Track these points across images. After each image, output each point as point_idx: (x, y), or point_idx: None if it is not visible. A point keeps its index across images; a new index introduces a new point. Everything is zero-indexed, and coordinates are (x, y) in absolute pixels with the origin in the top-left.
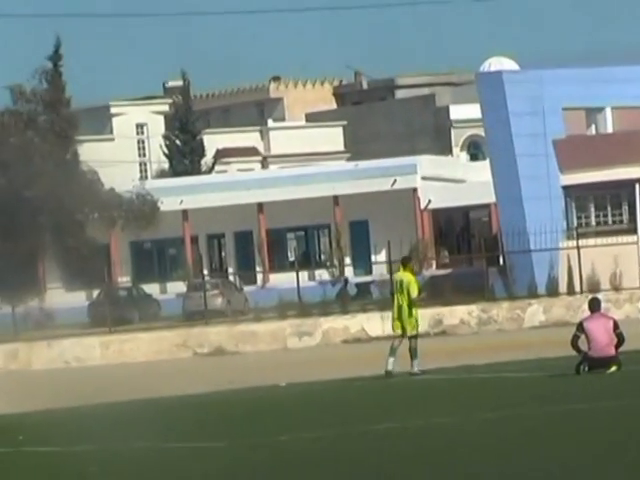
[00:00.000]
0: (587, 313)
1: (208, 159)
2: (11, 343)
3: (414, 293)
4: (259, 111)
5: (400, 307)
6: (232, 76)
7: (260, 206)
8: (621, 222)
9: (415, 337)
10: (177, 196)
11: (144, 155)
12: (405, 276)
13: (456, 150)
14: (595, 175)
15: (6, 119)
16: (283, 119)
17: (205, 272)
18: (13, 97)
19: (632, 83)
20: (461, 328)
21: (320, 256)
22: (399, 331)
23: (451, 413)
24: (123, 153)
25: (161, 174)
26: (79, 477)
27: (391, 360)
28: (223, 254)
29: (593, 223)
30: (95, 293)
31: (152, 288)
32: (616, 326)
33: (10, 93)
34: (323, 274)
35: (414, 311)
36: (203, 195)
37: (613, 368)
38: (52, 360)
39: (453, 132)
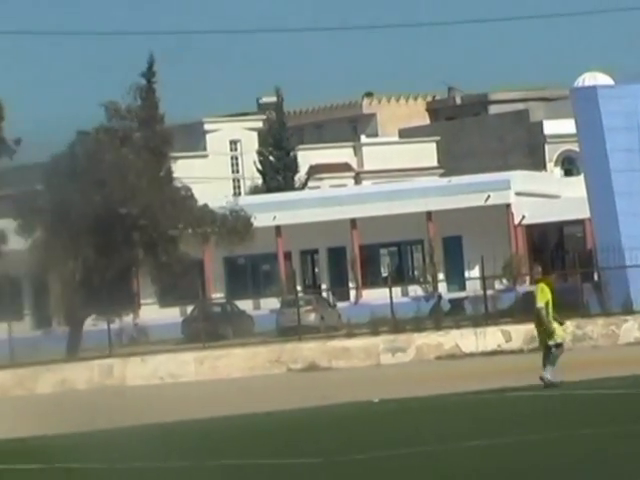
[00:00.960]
0: None
1: (301, 175)
2: (106, 359)
3: (538, 303)
4: (352, 127)
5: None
6: (325, 92)
7: (353, 222)
8: None
9: (548, 347)
10: (270, 212)
11: (237, 171)
12: (537, 286)
13: (550, 165)
14: None
15: (101, 136)
16: (376, 135)
17: (298, 288)
18: (108, 114)
19: None
20: None
21: (413, 272)
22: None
23: (546, 430)
24: (217, 169)
25: (254, 190)
26: None
27: (551, 369)
28: (316, 270)
29: None
30: (189, 309)
31: (246, 304)
32: None
33: (105, 110)
34: (416, 290)
35: (544, 320)
36: (296, 211)
37: None
38: (146, 376)
39: (547, 147)
